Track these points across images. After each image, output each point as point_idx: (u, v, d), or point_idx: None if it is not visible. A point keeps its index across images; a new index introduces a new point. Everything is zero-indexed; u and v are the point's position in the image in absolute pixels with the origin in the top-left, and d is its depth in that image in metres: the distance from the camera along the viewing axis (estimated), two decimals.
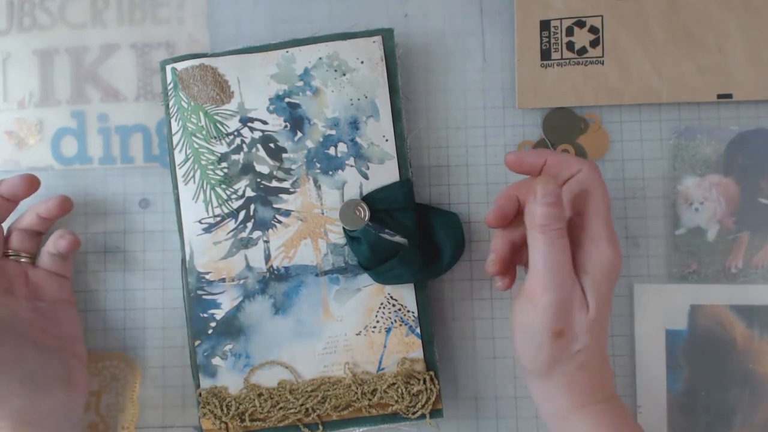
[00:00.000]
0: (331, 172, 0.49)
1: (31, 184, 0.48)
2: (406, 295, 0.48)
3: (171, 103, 0.49)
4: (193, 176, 0.49)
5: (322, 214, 0.49)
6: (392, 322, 0.48)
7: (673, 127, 0.50)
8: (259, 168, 0.49)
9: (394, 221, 0.48)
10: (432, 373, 0.48)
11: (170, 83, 0.49)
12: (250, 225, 0.49)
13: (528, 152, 0.44)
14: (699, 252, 0.49)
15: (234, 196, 0.49)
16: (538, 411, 0.44)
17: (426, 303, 0.49)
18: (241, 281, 0.49)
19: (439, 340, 0.50)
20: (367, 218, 0.47)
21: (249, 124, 0.49)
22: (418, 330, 0.48)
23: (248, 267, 0.49)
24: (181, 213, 0.49)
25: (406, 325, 0.48)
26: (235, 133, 0.49)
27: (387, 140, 0.48)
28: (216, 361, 0.49)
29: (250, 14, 0.52)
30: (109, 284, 0.52)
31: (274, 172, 0.49)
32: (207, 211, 0.49)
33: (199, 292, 0.49)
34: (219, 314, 0.49)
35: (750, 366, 0.49)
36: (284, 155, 0.49)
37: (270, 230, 0.49)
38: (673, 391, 0.49)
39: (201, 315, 0.49)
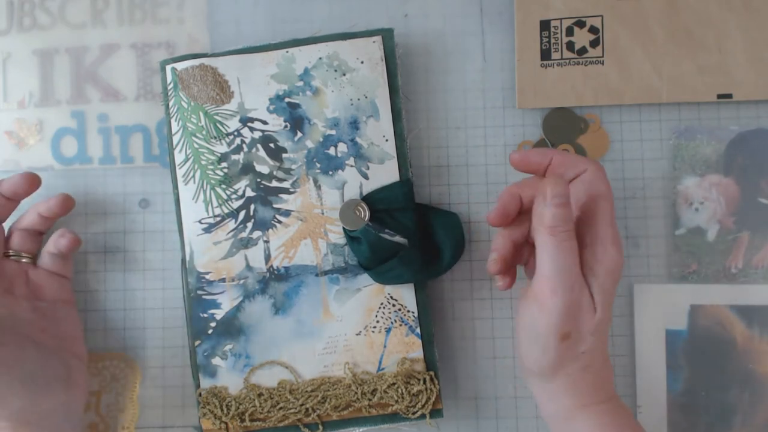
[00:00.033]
0: (331, 172, 0.49)
1: (32, 182, 0.48)
2: (406, 295, 0.48)
3: (171, 103, 0.49)
4: (193, 176, 0.49)
5: (322, 214, 0.49)
6: (392, 322, 0.48)
7: (673, 127, 0.50)
8: (259, 168, 0.49)
9: (394, 221, 0.48)
10: (432, 373, 0.48)
11: (170, 83, 0.49)
12: (250, 225, 0.49)
13: (533, 151, 0.44)
14: (699, 252, 0.49)
15: (234, 196, 0.49)
16: (540, 411, 0.44)
17: (426, 303, 0.49)
18: (241, 281, 0.49)
19: (439, 340, 0.50)
20: (367, 218, 0.47)
21: (249, 124, 0.49)
22: (418, 330, 0.48)
23: (248, 267, 0.49)
24: (181, 213, 0.49)
25: (406, 325, 0.48)
26: (235, 133, 0.49)
27: (387, 140, 0.48)
28: (216, 361, 0.49)
29: (250, 14, 0.52)
30: (109, 284, 0.52)
31: (274, 172, 0.49)
32: (207, 211, 0.49)
33: (199, 292, 0.49)
34: (219, 314, 0.49)
35: (750, 366, 0.49)
36: (284, 155, 0.49)
37: (270, 230, 0.49)
38: (673, 391, 0.49)
39: (201, 315, 0.49)
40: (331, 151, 0.49)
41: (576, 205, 0.42)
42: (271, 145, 0.49)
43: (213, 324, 0.49)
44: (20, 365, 0.41)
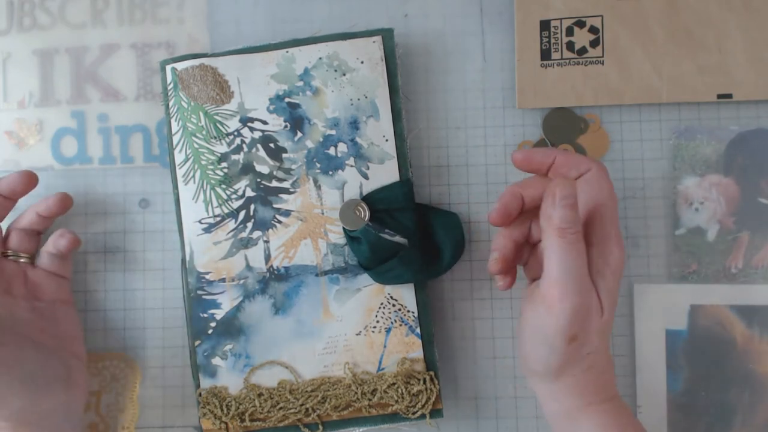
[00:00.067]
0: (331, 172, 0.49)
1: (29, 180, 0.47)
2: (406, 295, 0.48)
3: (171, 103, 0.49)
4: (193, 176, 0.49)
5: (322, 214, 0.49)
6: (392, 322, 0.48)
7: (673, 127, 0.50)
8: (259, 168, 0.49)
9: (394, 221, 0.48)
10: (432, 373, 0.48)
11: (170, 83, 0.49)
12: (250, 225, 0.49)
13: (536, 151, 0.43)
14: (699, 252, 0.49)
15: (234, 196, 0.49)
16: (542, 411, 0.43)
17: (426, 303, 0.49)
18: (241, 281, 0.49)
19: (439, 340, 0.50)
20: (367, 218, 0.47)
21: (249, 124, 0.49)
22: (418, 330, 0.48)
23: (248, 267, 0.49)
24: (181, 213, 0.49)
25: (406, 325, 0.48)
26: (235, 133, 0.49)
27: (387, 140, 0.48)
28: (216, 361, 0.49)
29: (250, 14, 0.52)
30: (109, 284, 0.52)
31: (274, 172, 0.49)
32: (207, 211, 0.49)
33: (199, 292, 0.49)
34: (219, 314, 0.49)
35: (750, 366, 0.49)
36: (284, 155, 0.49)
37: (270, 230, 0.49)
38: (673, 391, 0.49)
39: (201, 315, 0.49)
40: (331, 151, 0.49)
41: (579, 205, 0.42)
42: (271, 145, 0.49)
43: (213, 324, 0.49)
44: (20, 365, 0.41)
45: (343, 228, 0.48)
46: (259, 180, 0.49)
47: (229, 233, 0.49)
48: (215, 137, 0.49)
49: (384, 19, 0.51)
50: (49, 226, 0.50)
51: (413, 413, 0.47)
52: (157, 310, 0.51)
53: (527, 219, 0.44)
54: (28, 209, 0.48)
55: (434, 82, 0.51)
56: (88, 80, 0.52)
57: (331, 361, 0.48)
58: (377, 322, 0.48)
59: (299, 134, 0.49)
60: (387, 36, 0.49)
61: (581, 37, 0.50)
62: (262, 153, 0.49)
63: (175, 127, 0.49)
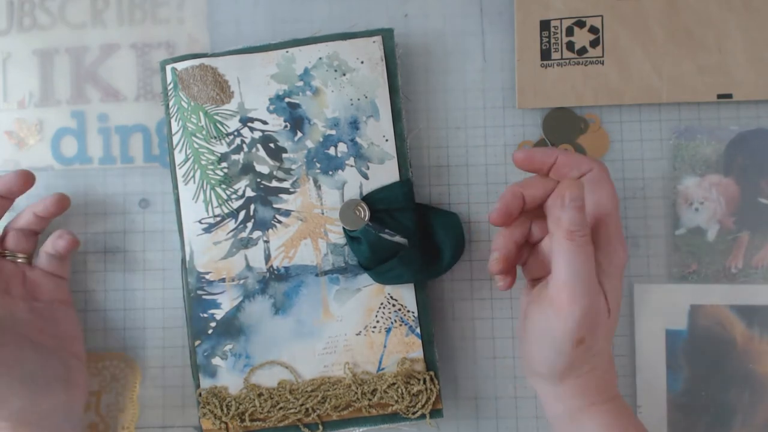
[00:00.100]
0: (331, 172, 0.49)
1: (26, 180, 0.47)
2: (406, 295, 0.48)
3: (171, 103, 0.49)
4: (193, 176, 0.49)
5: (322, 214, 0.49)
6: (392, 322, 0.48)
7: (673, 127, 0.50)
8: (259, 168, 0.49)
9: (394, 221, 0.48)
10: (432, 373, 0.48)
11: (170, 83, 0.49)
12: (250, 225, 0.49)
13: (538, 150, 0.43)
14: (699, 252, 0.49)
15: (234, 196, 0.49)
16: (543, 411, 0.43)
17: (426, 303, 0.49)
18: (241, 281, 0.49)
19: (439, 340, 0.50)
20: (367, 218, 0.47)
21: (249, 124, 0.49)
22: (418, 330, 0.48)
23: (248, 267, 0.49)
24: (181, 213, 0.49)
25: (406, 325, 0.48)
26: (235, 133, 0.49)
27: (387, 140, 0.48)
28: (216, 361, 0.49)
29: (250, 14, 0.52)
30: (109, 284, 0.52)
31: (274, 172, 0.49)
32: (207, 211, 0.49)
33: (199, 292, 0.49)
34: (219, 314, 0.49)
35: (750, 366, 0.49)
36: (284, 155, 0.49)
37: (270, 230, 0.49)
38: (673, 391, 0.49)
39: (201, 315, 0.49)
40: (331, 151, 0.49)
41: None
42: (271, 145, 0.49)
43: (213, 324, 0.49)
44: (20, 365, 0.41)
45: (343, 228, 0.48)
46: (259, 180, 0.49)
47: (229, 233, 0.49)
48: (215, 137, 0.49)
49: (384, 19, 0.51)
50: (46, 227, 0.49)
51: (413, 413, 0.47)
52: (157, 310, 0.51)
53: (527, 219, 0.44)
54: (25, 209, 0.48)
55: (434, 82, 0.51)
56: (88, 80, 0.52)
57: (331, 361, 0.48)
58: (377, 322, 0.48)
59: (299, 134, 0.49)
60: (387, 36, 0.49)
61: (581, 37, 0.50)
62: (262, 153, 0.49)
63: (175, 127, 0.49)
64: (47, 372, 0.43)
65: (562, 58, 0.50)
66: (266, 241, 0.49)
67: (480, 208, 0.51)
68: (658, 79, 0.49)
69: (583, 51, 0.49)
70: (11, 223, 0.48)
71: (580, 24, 0.50)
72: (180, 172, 0.49)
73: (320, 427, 0.48)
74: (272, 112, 0.49)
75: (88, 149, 0.52)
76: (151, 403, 0.51)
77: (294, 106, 0.49)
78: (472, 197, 0.51)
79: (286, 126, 0.49)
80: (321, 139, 0.49)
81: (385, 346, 0.48)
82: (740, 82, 0.49)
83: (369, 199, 0.48)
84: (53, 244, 0.48)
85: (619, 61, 0.49)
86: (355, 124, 0.49)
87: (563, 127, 0.50)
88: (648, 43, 0.49)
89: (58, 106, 0.52)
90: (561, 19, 0.50)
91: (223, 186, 0.49)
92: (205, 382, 0.49)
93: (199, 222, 0.49)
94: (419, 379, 0.48)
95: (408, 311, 0.48)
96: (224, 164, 0.49)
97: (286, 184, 0.49)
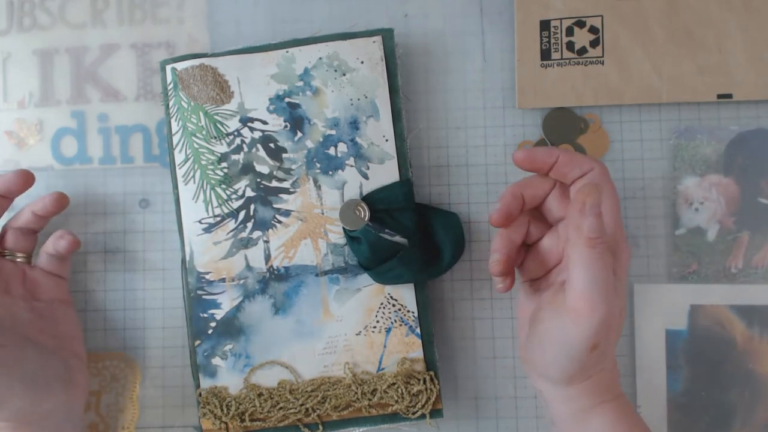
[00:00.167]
0: (331, 172, 0.49)
1: (26, 179, 0.47)
2: (406, 295, 0.48)
3: (171, 103, 0.49)
4: (193, 176, 0.49)
5: (322, 214, 0.49)
6: (392, 322, 0.48)
7: (673, 127, 0.50)
8: (259, 168, 0.49)
9: (394, 221, 0.48)
10: (432, 373, 0.48)
11: (170, 83, 0.49)
12: (250, 225, 0.49)
13: (539, 150, 0.43)
14: (699, 252, 0.49)
15: (234, 196, 0.49)
16: (543, 411, 0.43)
17: (426, 303, 0.49)
18: (241, 281, 0.49)
19: (439, 340, 0.50)
20: (367, 218, 0.47)
21: (249, 124, 0.49)
22: (418, 330, 0.48)
23: (248, 267, 0.49)
24: (181, 213, 0.49)
25: (406, 325, 0.48)
26: (235, 133, 0.49)
27: (387, 140, 0.48)
28: (216, 361, 0.49)
29: (250, 14, 0.52)
30: (109, 284, 0.52)
31: (274, 172, 0.49)
32: (207, 211, 0.49)
33: (199, 292, 0.49)
34: (219, 314, 0.49)
35: (750, 366, 0.49)
36: (284, 155, 0.49)
37: (270, 230, 0.49)
38: (673, 391, 0.49)
39: (201, 315, 0.49)
40: (331, 151, 0.49)
41: None
42: (271, 145, 0.49)
43: (213, 324, 0.49)
44: (20, 366, 0.41)
45: (343, 228, 0.48)
46: (259, 180, 0.49)
47: (229, 233, 0.49)
48: (215, 137, 0.49)
49: (384, 19, 0.51)
50: (45, 226, 0.49)
51: (413, 413, 0.47)
52: (157, 310, 0.51)
53: (526, 219, 0.44)
54: (24, 208, 0.48)
55: (434, 82, 0.51)
56: (88, 80, 0.52)
57: (331, 361, 0.48)
58: (377, 322, 0.48)
59: (299, 134, 0.49)
60: (387, 36, 0.49)
61: (581, 37, 0.50)
62: (262, 153, 0.49)
63: (175, 127, 0.49)
64: (47, 372, 0.43)
65: (562, 58, 0.50)
66: (266, 241, 0.49)
67: (480, 208, 0.51)
68: (658, 79, 0.49)
69: (583, 51, 0.49)
70: (10, 222, 0.48)
71: (580, 24, 0.50)
72: (180, 172, 0.49)
73: (320, 427, 0.48)
74: (272, 112, 0.49)
75: (88, 149, 0.52)
76: (151, 403, 0.51)
77: (294, 106, 0.49)
78: (472, 197, 0.51)
79: (286, 126, 0.49)
80: (321, 139, 0.49)
81: (385, 346, 0.48)
82: (740, 82, 0.49)
83: (369, 199, 0.48)
84: (54, 244, 0.48)
85: (619, 61, 0.49)
86: (355, 124, 0.49)
87: (563, 127, 0.50)
88: (648, 43, 0.49)
89: (58, 106, 0.52)
90: (561, 19, 0.50)
91: (223, 186, 0.49)
92: (205, 382, 0.49)
93: (199, 222, 0.49)
94: (419, 379, 0.48)
95: (408, 311, 0.48)
96: (224, 164, 0.49)
97: (286, 184, 0.49)
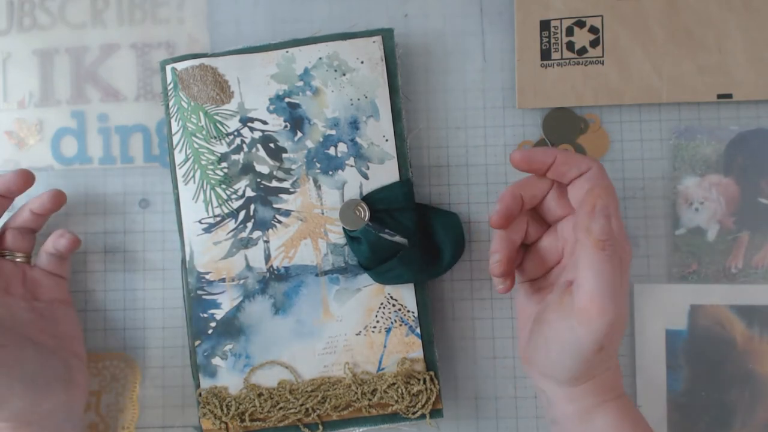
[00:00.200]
0: (331, 172, 0.49)
1: (26, 179, 0.47)
2: (406, 295, 0.48)
3: (171, 103, 0.49)
4: (193, 176, 0.49)
5: (322, 214, 0.49)
6: (392, 322, 0.48)
7: (673, 127, 0.50)
8: (259, 168, 0.49)
9: (394, 221, 0.48)
10: (432, 373, 0.48)
11: (170, 83, 0.49)
12: (250, 225, 0.49)
13: (537, 150, 0.43)
14: (699, 252, 0.49)
15: (234, 196, 0.49)
16: (549, 412, 0.43)
17: (426, 303, 0.49)
18: (241, 281, 0.49)
19: (439, 340, 0.50)
20: (367, 218, 0.47)
21: (249, 124, 0.49)
22: (418, 330, 0.48)
23: (248, 267, 0.49)
24: (181, 213, 0.49)
25: (406, 325, 0.48)
26: (235, 133, 0.49)
27: (387, 140, 0.48)
28: (216, 361, 0.49)
29: (250, 14, 0.52)
30: (109, 284, 0.52)
31: (274, 172, 0.49)
32: (207, 211, 0.49)
33: (199, 292, 0.49)
34: (219, 314, 0.49)
35: (750, 366, 0.49)
36: (284, 155, 0.49)
37: (270, 230, 0.49)
38: (673, 391, 0.49)
39: (201, 315, 0.49)
40: (331, 151, 0.49)
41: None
42: (271, 145, 0.49)
43: (213, 324, 0.49)
44: (20, 366, 0.41)
45: (343, 228, 0.48)
46: (259, 180, 0.49)
47: (229, 233, 0.49)
48: (215, 137, 0.49)
49: (384, 19, 0.51)
50: (43, 225, 0.49)
51: (413, 413, 0.47)
52: (157, 310, 0.51)
53: (525, 219, 0.44)
54: (21, 207, 0.48)
55: (434, 82, 0.51)
56: (88, 80, 0.52)
57: (331, 361, 0.48)
58: (377, 322, 0.48)
59: (299, 134, 0.49)
60: (387, 36, 0.49)
61: (581, 37, 0.50)
62: (262, 153, 0.49)
63: (175, 127, 0.49)
64: (48, 372, 0.43)
65: (562, 58, 0.50)
66: (266, 241, 0.49)
67: (480, 208, 0.51)
68: (658, 79, 0.49)
69: (583, 51, 0.49)
70: (8, 222, 0.48)
71: (580, 24, 0.50)
72: (180, 172, 0.49)
73: (320, 427, 0.48)
74: (272, 112, 0.49)
75: (88, 149, 0.52)
76: (151, 403, 0.51)
77: (294, 106, 0.49)
78: (472, 197, 0.51)
79: (286, 126, 0.49)
80: (321, 139, 0.49)
81: (385, 346, 0.48)
82: (740, 82, 0.49)
83: (369, 199, 0.48)
84: (54, 243, 0.48)
85: (619, 61, 0.49)
86: (355, 124, 0.49)
87: (563, 127, 0.50)
88: (648, 43, 0.49)
89: (58, 106, 0.52)
90: (561, 19, 0.50)
91: (223, 186, 0.49)
92: (205, 382, 0.49)
93: (199, 222, 0.49)
94: (419, 379, 0.48)
95: (408, 311, 0.48)
96: (224, 164, 0.49)
97: (286, 184, 0.49)
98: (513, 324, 0.50)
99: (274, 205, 0.49)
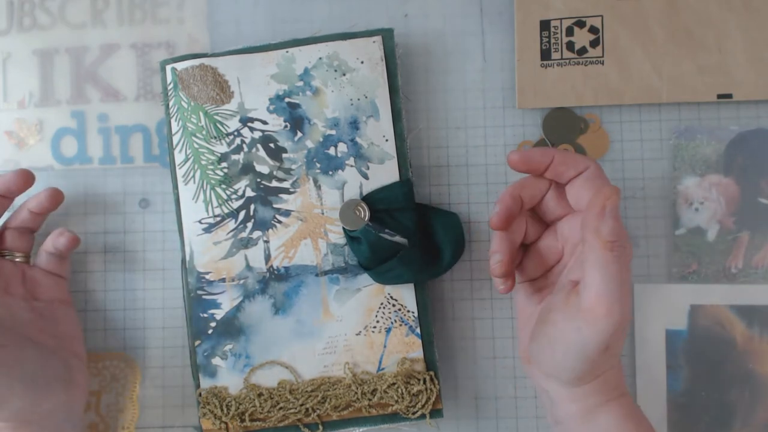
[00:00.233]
0: (331, 172, 0.49)
1: (26, 179, 0.47)
2: (406, 295, 0.48)
3: (171, 103, 0.49)
4: (193, 176, 0.49)
5: (322, 214, 0.49)
6: (392, 322, 0.48)
7: (673, 127, 0.50)
8: (259, 168, 0.49)
9: (394, 221, 0.48)
10: (432, 373, 0.48)
11: (170, 83, 0.49)
12: (250, 225, 0.49)
13: (535, 151, 0.43)
14: (699, 252, 0.49)
15: (234, 196, 0.49)
16: (551, 412, 0.43)
17: (426, 303, 0.49)
18: (241, 281, 0.49)
19: (439, 340, 0.50)
20: (367, 218, 0.47)
21: (249, 124, 0.49)
22: (418, 330, 0.48)
23: (248, 267, 0.49)
24: (181, 213, 0.49)
25: (406, 325, 0.48)
26: (235, 133, 0.49)
27: (387, 140, 0.48)
28: (216, 361, 0.49)
29: (250, 14, 0.52)
30: (109, 284, 0.52)
31: (274, 172, 0.49)
32: (207, 211, 0.49)
33: (199, 292, 0.49)
34: (219, 314, 0.49)
35: (750, 366, 0.49)
36: (284, 155, 0.49)
37: (270, 230, 0.49)
38: (673, 391, 0.49)
39: (201, 315, 0.49)
40: (331, 151, 0.49)
41: (578, 204, 0.42)
42: (271, 145, 0.49)
43: (213, 324, 0.49)
44: (20, 366, 0.41)
45: (343, 228, 0.48)
46: (259, 180, 0.49)
47: (229, 233, 0.49)
48: (215, 137, 0.49)
49: (384, 19, 0.51)
50: (42, 224, 0.49)
51: (413, 413, 0.47)
52: (157, 310, 0.51)
53: (524, 219, 0.44)
54: (20, 207, 0.48)
55: (434, 82, 0.51)
56: (88, 80, 0.52)
57: (331, 361, 0.48)
58: (377, 322, 0.48)
59: (299, 134, 0.49)
60: (387, 36, 0.49)
61: (581, 37, 0.50)
62: (262, 153, 0.49)
63: (175, 127, 0.49)
64: (48, 372, 0.43)
65: (562, 58, 0.50)
66: (266, 241, 0.49)
67: (480, 208, 0.51)
68: (658, 79, 0.49)
69: (583, 51, 0.49)
70: (7, 222, 0.48)
71: (580, 24, 0.50)
72: (180, 172, 0.49)
73: (320, 427, 0.48)
74: (272, 112, 0.49)
75: (88, 149, 0.52)
76: (151, 403, 0.51)
77: (294, 106, 0.49)
78: (472, 197, 0.51)
79: (286, 126, 0.49)
80: (321, 139, 0.49)
81: (385, 346, 0.48)
82: (740, 82, 0.49)
83: (369, 199, 0.48)
84: (53, 242, 0.48)
85: (619, 61, 0.49)
86: (355, 124, 0.49)
87: (563, 127, 0.50)
88: (648, 43, 0.49)
89: (58, 106, 0.52)
90: (561, 19, 0.50)
91: (223, 186, 0.49)
92: (205, 382, 0.49)
93: (199, 222, 0.49)
94: (419, 379, 0.48)
95: (408, 311, 0.48)
96: (224, 164, 0.49)
97: (286, 184, 0.49)
98: (513, 324, 0.50)
99: (274, 205, 0.49)
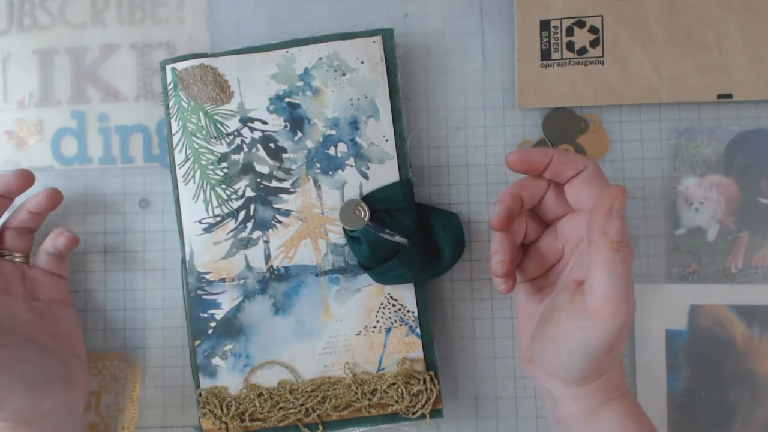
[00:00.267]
0: (331, 172, 0.49)
1: (26, 179, 0.47)
2: (406, 295, 0.48)
3: (171, 103, 0.49)
4: (193, 176, 0.49)
5: (322, 214, 0.49)
6: (392, 322, 0.48)
7: (673, 127, 0.50)
8: (259, 168, 0.49)
9: (394, 221, 0.48)
10: (432, 373, 0.48)
11: (170, 83, 0.49)
12: (250, 225, 0.49)
13: (533, 152, 0.43)
14: (699, 252, 0.49)
15: (234, 196, 0.49)
16: (553, 411, 0.43)
17: (426, 303, 0.49)
18: (241, 281, 0.49)
19: (439, 340, 0.50)
20: (367, 218, 0.47)
21: (249, 124, 0.49)
22: (418, 330, 0.48)
23: (248, 267, 0.49)
24: (181, 213, 0.49)
25: (406, 325, 0.48)
26: (235, 133, 0.49)
27: (387, 140, 0.48)
28: (216, 361, 0.49)
29: (250, 14, 0.52)
30: (109, 284, 0.52)
31: (274, 172, 0.49)
32: (207, 211, 0.49)
33: (199, 292, 0.49)
34: (219, 314, 0.49)
35: (750, 366, 0.49)
36: (284, 155, 0.49)
37: (270, 230, 0.49)
38: (673, 391, 0.49)
39: (201, 315, 0.49)
40: (331, 151, 0.49)
41: (577, 204, 0.42)
42: (271, 145, 0.49)
43: (213, 324, 0.49)
44: (20, 366, 0.41)
45: (343, 228, 0.48)
46: (259, 180, 0.49)
47: (229, 233, 0.49)
48: (215, 137, 0.49)
49: (384, 19, 0.51)
50: (41, 224, 0.49)
51: (413, 413, 0.47)
52: (157, 310, 0.51)
53: (524, 219, 0.44)
54: (19, 207, 0.48)
55: (434, 82, 0.51)
56: (88, 80, 0.52)
57: (331, 361, 0.48)
58: (377, 322, 0.48)
59: (299, 134, 0.49)
60: (387, 36, 0.49)
61: (581, 37, 0.50)
62: (262, 153, 0.49)
63: (175, 127, 0.49)
64: (47, 372, 0.43)
65: (562, 58, 0.50)
66: (266, 241, 0.49)
67: (480, 208, 0.51)
68: (658, 79, 0.49)
69: (583, 51, 0.49)
70: (6, 223, 0.48)
71: (580, 24, 0.50)
72: (180, 172, 0.49)
73: (320, 427, 0.48)
74: (272, 112, 0.49)
75: (88, 149, 0.52)
76: (151, 403, 0.51)
77: (294, 106, 0.49)
78: (472, 197, 0.51)
79: (286, 126, 0.49)
80: (321, 139, 0.49)
81: (385, 346, 0.48)
82: (740, 82, 0.49)
83: (369, 199, 0.48)
84: (53, 241, 0.48)
85: (619, 61, 0.49)
86: (355, 124, 0.49)
87: (563, 127, 0.50)
88: (648, 43, 0.49)
89: (58, 106, 0.52)
90: (561, 19, 0.50)
91: (223, 186, 0.49)
92: (205, 382, 0.49)
93: (199, 222, 0.49)
94: (419, 379, 0.48)
95: (408, 311, 0.48)
96: (224, 164, 0.49)
97: (286, 184, 0.49)
98: (513, 324, 0.50)
99: (274, 205, 0.49)
